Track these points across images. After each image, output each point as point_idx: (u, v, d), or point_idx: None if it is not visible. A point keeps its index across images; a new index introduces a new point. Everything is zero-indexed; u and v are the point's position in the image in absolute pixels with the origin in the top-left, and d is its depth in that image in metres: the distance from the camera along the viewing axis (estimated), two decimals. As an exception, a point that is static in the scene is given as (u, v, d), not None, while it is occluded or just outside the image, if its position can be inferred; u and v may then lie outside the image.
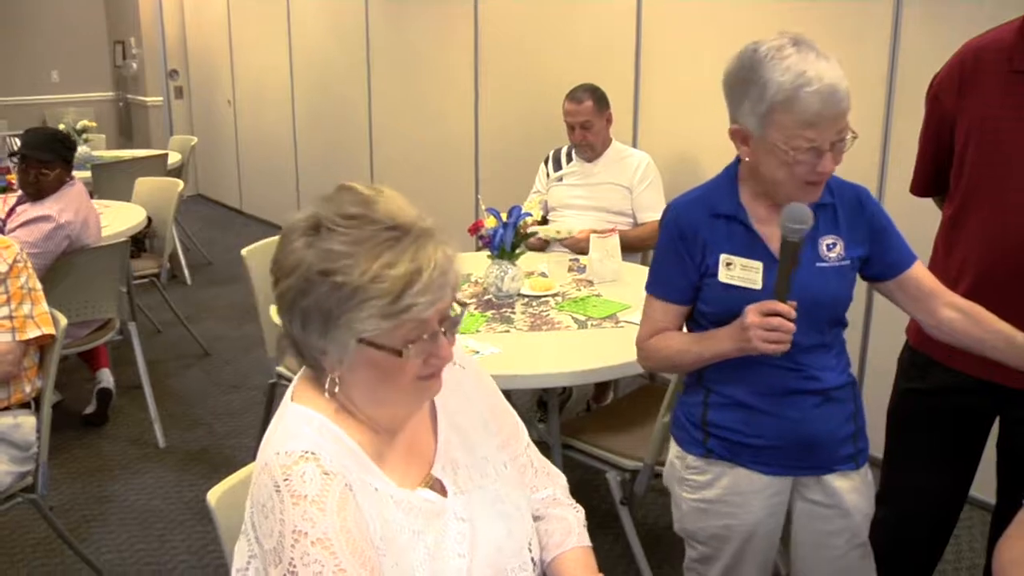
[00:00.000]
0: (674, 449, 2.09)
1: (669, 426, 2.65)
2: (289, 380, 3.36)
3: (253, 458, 1.43)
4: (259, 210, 8.54)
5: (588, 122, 4.02)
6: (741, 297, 1.86)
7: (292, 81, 7.57)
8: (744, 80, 1.80)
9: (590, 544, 1.65)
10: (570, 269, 3.63)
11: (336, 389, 1.37)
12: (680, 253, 1.95)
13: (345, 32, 6.72)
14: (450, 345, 1.39)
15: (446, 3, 5.68)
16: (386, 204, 1.32)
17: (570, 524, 1.65)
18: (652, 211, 4.05)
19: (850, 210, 1.95)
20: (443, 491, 1.47)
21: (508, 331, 2.96)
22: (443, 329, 1.36)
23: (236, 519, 1.53)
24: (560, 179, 4.20)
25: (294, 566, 1.25)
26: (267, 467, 1.32)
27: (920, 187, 2.36)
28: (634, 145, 4.48)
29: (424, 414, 1.54)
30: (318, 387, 1.40)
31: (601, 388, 4.26)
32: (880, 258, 1.98)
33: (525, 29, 5.17)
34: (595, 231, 3.68)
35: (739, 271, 1.89)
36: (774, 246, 1.87)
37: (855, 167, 2.29)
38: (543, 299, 3.27)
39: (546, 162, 4.30)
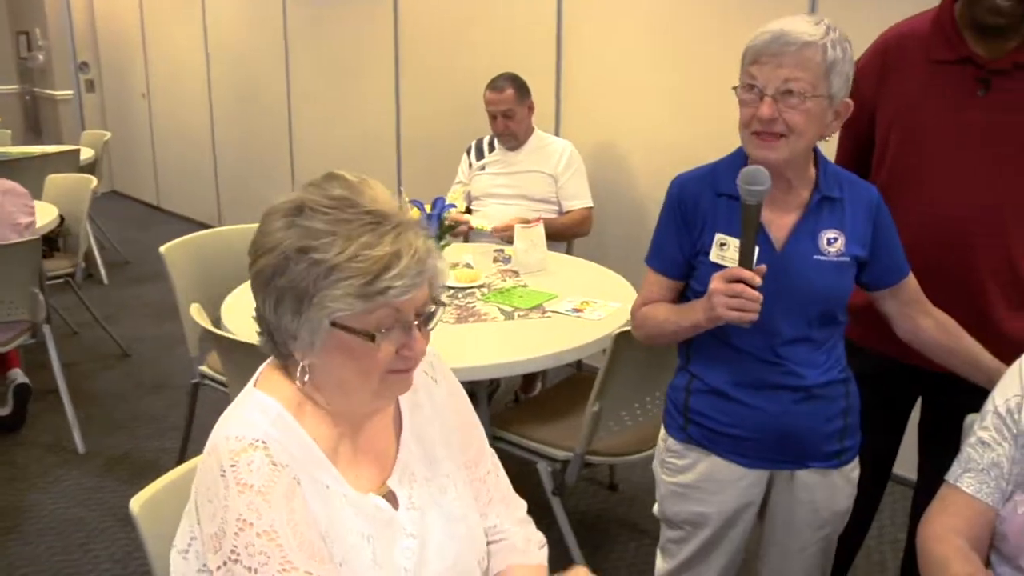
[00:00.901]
0: (661, 431, 2.11)
1: (599, 414, 2.68)
2: (213, 380, 3.34)
3: (177, 461, 1.39)
4: (177, 206, 8.37)
5: (510, 110, 4.01)
6: None
7: (209, 73, 7.42)
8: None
9: (541, 563, 1.61)
10: (495, 260, 3.62)
11: (306, 378, 1.35)
12: (679, 226, 1.95)
13: (262, 21, 6.60)
14: (424, 341, 1.37)
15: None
16: (371, 192, 1.33)
17: (513, 543, 1.60)
18: (577, 199, 4.07)
19: (858, 208, 1.92)
20: (395, 503, 1.44)
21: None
22: (418, 323, 1.34)
23: (161, 526, 1.49)
24: (483, 168, 4.19)
25: (237, 554, 1.23)
26: (215, 449, 1.29)
27: (842, 163, 2.37)
28: (557, 133, 4.48)
29: (389, 420, 1.50)
30: (284, 376, 1.38)
31: (529, 379, 4.26)
32: (880, 264, 1.96)
33: (445, 19, 5.13)
34: (520, 219, 3.68)
35: (732, 252, 1.85)
36: (775, 233, 1.87)
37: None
38: (469, 290, 3.25)
39: (468, 152, 4.28)
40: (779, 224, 1.89)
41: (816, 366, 1.94)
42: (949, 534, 1.66)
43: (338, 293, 1.26)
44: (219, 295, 3.21)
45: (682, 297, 2.01)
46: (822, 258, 1.88)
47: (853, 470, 2.06)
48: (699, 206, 1.92)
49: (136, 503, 1.53)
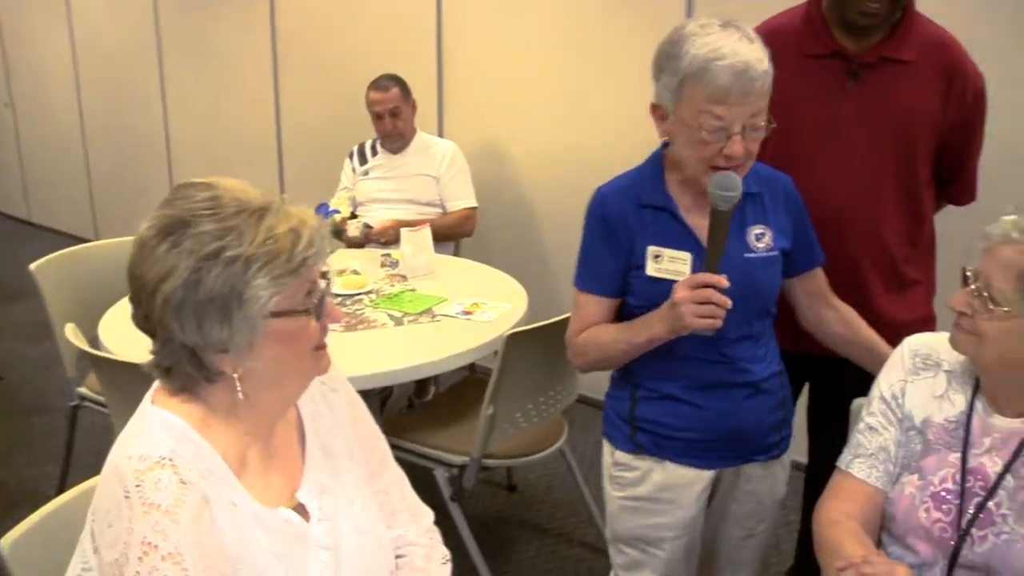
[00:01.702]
0: (605, 447, 2.05)
1: (493, 417, 2.67)
2: (93, 402, 3.20)
3: (57, 491, 1.32)
4: (50, 220, 8.04)
5: (397, 108, 3.98)
6: (668, 291, 1.80)
7: (77, 78, 7.14)
8: (666, 55, 1.78)
9: None
10: (382, 265, 3.56)
11: (239, 389, 1.31)
12: (608, 243, 1.89)
13: (132, 21, 6.38)
14: (337, 309, 1.40)
15: (237, -5, 5.47)
16: (229, 187, 1.30)
17: (414, 561, 1.57)
18: (460, 199, 4.06)
19: (777, 201, 1.93)
20: (306, 515, 1.41)
21: (323, 333, 2.87)
22: (325, 289, 1.36)
23: (35, 569, 1.41)
24: (367, 173, 4.14)
25: None
26: (117, 471, 1.24)
27: None
28: (440, 134, 4.46)
29: (293, 431, 1.47)
30: (182, 394, 1.33)
31: (422, 383, 4.21)
32: (798, 253, 1.98)
33: (323, 18, 5.04)
34: (401, 222, 3.65)
35: (667, 263, 1.84)
36: (703, 236, 1.83)
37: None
38: (357, 297, 3.19)
39: (351, 157, 4.22)
40: (707, 227, 1.83)
41: (760, 360, 1.96)
42: (842, 518, 1.69)
43: (266, 281, 1.24)
44: (96, 312, 3.08)
45: (618, 318, 1.96)
46: (753, 255, 1.88)
47: (788, 458, 2.09)
48: (626, 219, 1.87)
49: (7, 542, 1.45)
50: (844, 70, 2.18)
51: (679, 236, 1.86)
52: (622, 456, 1.99)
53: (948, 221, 2.45)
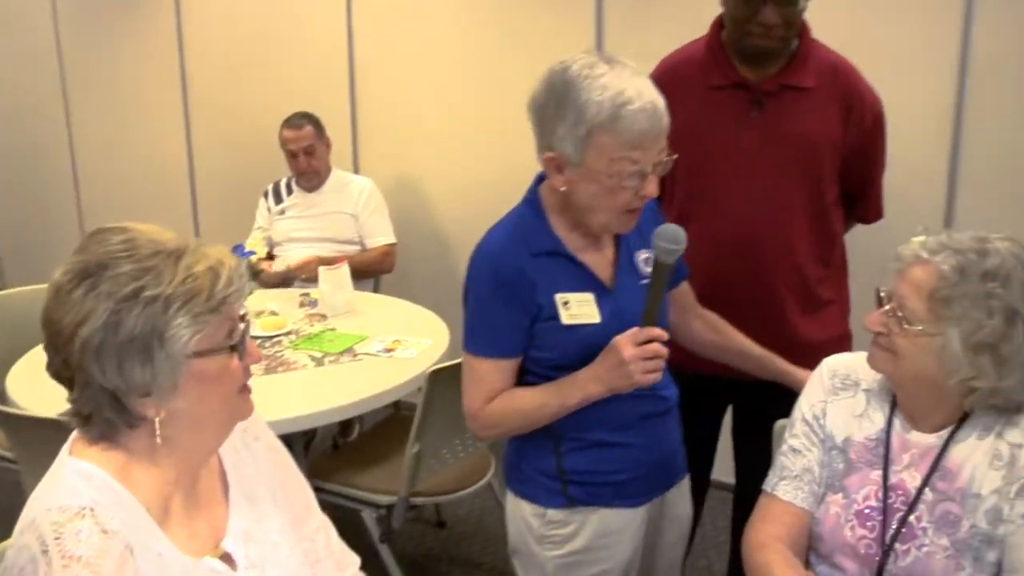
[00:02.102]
0: (525, 508, 1.91)
1: (419, 455, 2.64)
2: (1, 458, 3.09)
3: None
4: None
5: (311, 147, 3.95)
6: (583, 336, 1.76)
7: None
8: (557, 103, 1.68)
9: None
10: (301, 304, 3.52)
11: (157, 435, 1.28)
12: (507, 302, 1.77)
13: (36, 64, 6.23)
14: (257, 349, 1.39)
15: (146, 30, 5.36)
16: (145, 235, 1.29)
17: None
18: (379, 236, 4.04)
19: (648, 219, 1.86)
20: (233, 564, 1.38)
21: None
22: (245, 327, 1.35)
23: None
24: (283, 212, 4.09)
25: None
26: (34, 525, 1.20)
27: None
28: (356, 171, 4.43)
29: (216, 479, 1.44)
30: (102, 442, 1.30)
31: (346, 423, 4.15)
32: None
33: (235, 59, 4.98)
34: (321, 259, 3.62)
35: (575, 308, 1.77)
36: (601, 275, 1.80)
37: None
38: (276, 339, 3.14)
39: (266, 196, 4.17)
40: (601, 264, 1.83)
41: (669, 384, 1.95)
42: (770, 541, 1.71)
43: (187, 321, 1.24)
44: (3, 364, 2.98)
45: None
46: (647, 281, 1.79)
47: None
48: (522, 271, 1.76)
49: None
50: (747, 100, 2.24)
51: (579, 277, 1.79)
52: (555, 514, 1.88)
53: (859, 240, 2.51)
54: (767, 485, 1.79)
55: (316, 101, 4.29)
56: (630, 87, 1.65)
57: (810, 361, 1.90)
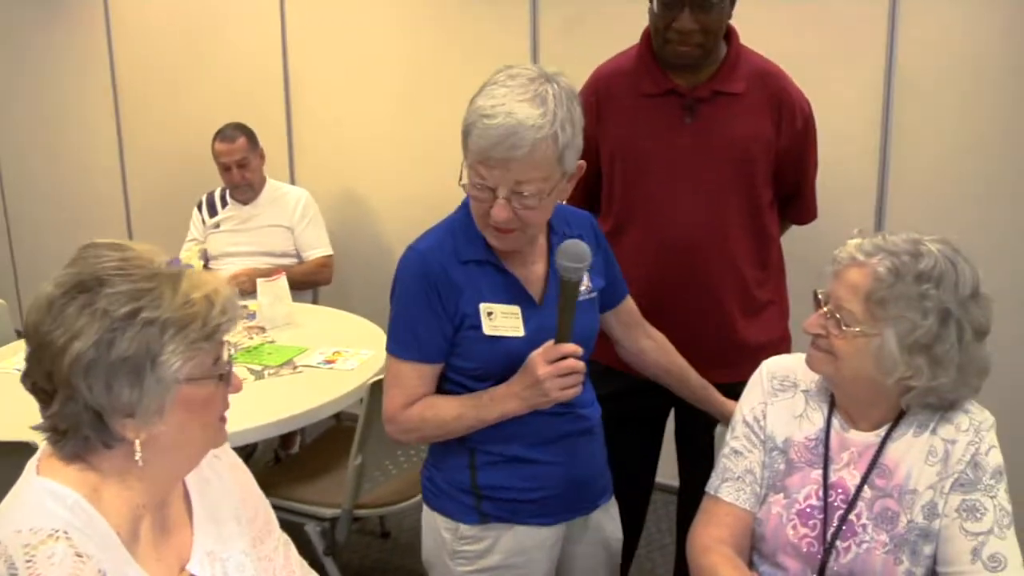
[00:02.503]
0: (439, 521, 1.89)
1: (362, 467, 2.62)
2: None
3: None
4: None
5: (244, 159, 3.90)
6: (505, 348, 1.74)
7: None
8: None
9: None
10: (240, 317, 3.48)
11: (137, 456, 1.28)
12: (431, 306, 1.74)
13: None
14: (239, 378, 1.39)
15: (75, 36, 5.23)
16: (141, 255, 1.30)
17: None
18: (316, 248, 4.01)
19: (587, 239, 1.83)
20: None
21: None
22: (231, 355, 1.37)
23: None
24: (217, 226, 4.04)
25: None
26: (1, 547, 1.17)
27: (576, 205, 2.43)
28: (292, 182, 4.39)
29: (181, 503, 1.43)
30: (71, 462, 1.28)
31: (287, 436, 4.11)
32: (610, 287, 1.94)
33: (168, 69, 4.90)
34: (258, 271, 3.60)
35: (500, 320, 1.75)
36: (530, 287, 1.79)
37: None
38: (215, 353, 3.10)
39: (199, 208, 4.12)
40: (531, 278, 1.81)
41: (590, 404, 1.93)
42: (714, 543, 1.73)
43: (180, 346, 1.24)
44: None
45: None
46: (580, 299, 1.77)
47: (614, 500, 2.05)
48: (449, 277, 1.74)
49: None
50: (680, 106, 2.27)
51: (506, 288, 1.77)
52: (467, 529, 1.85)
53: (795, 243, 2.56)
54: (710, 487, 1.81)
55: (251, 111, 4.25)
56: (505, 104, 1.61)
57: (751, 363, 1.92)
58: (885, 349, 1.59)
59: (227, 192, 4.06)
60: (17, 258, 5.98)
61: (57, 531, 1.19)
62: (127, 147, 5.27)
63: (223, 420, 1.38)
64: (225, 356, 1.33)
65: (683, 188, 2.28)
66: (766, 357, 1.86)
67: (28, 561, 1.16)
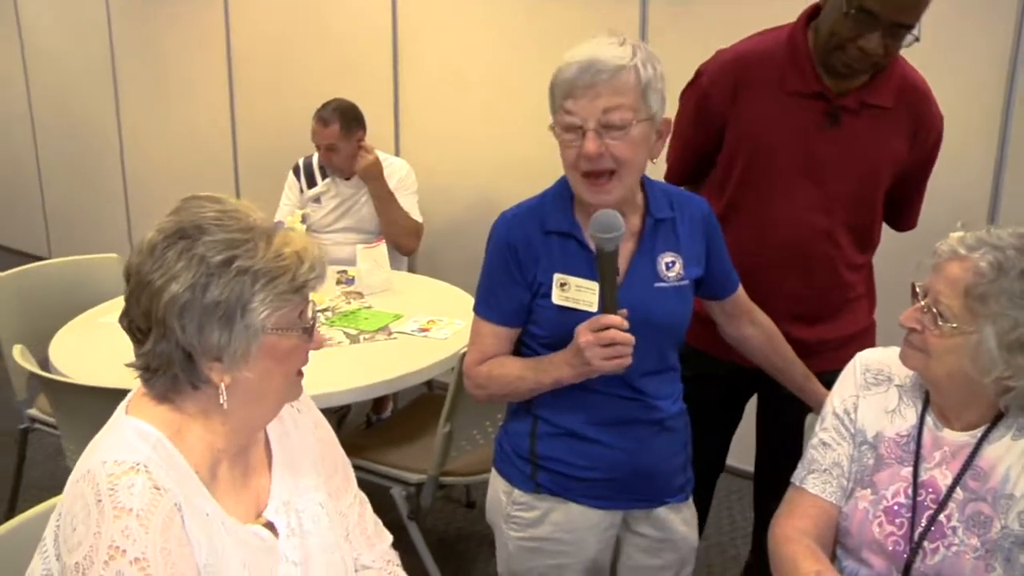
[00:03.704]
0: (499, 483, 1.94)
1: (450, 435, 2.66)
2: (44, 424, 3.15)
3: (6, 514, 1.30)
4: (1, 236, 7.92)
5: (333, 145, 3.84)
6: (576, 320, 1.72)
7: (29, 93, 7.03)
8: None
9: None
10: (339, 282, 3.54)
11: (223, 399, 1.34)
12: (511, 271, 1.80)
13: (86, 39, 6.31)
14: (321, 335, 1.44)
15: (194, 13, 5.43)
16: (239, 209, 1.36)
17: None
18: (411, 214, 3.96)
19: (692, 226, 1.85)
20: (275, 532, 1.43)
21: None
22: (314, 315, 1.41)
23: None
24: (317, 200, 4.01)
25: None
26: (89, 475, 1.25)
27: (679, 176, 2.37)
28: (397, 153, 4.43)
29: (261, 450, 1.50)
30: (159, 403, 1.35)
31: (379, 400, 4.19)
32: (713, 278, 1.93)
33: (280, 37, 5.02)
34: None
35: (574, 292, 1.76)
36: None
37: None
38: (313, 315, 3.17)
39: (296, 174, 4.07)
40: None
41: (668, 396, 1.89)
42: (796, 534, 1.71)
43: (270, 297, 1.30)
44: (47, 332, 3.03)
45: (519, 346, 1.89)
46: (663, 284, 1.80)
47: (691, 502, 2.02)
48: (530, 245, 1.78)
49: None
50: (824, 111, 2.16)
51: (586, 264, 1.77)
52: (521, 496, 1.89)
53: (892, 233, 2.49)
54: (795, 478, 1.79)
55: (360, 83, 4.31)
56: (588, 49, 1.68)
57: (834, 354, 1.87)
58: (983, 347, 1.54)
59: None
60: (132, 216, 6.22)
61: (138, 464, 1.26)
62: (239, 116, 5.41)
63: (300, 375, 1.44)
64: (310, 312, 1.39)
65: (804, 192, 2.20)
66: (853, 348, 1.83)
67: (111, 490, 1.22)
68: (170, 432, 1.33)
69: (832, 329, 2.29)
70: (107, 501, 1.22)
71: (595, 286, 1.74)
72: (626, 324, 1.67)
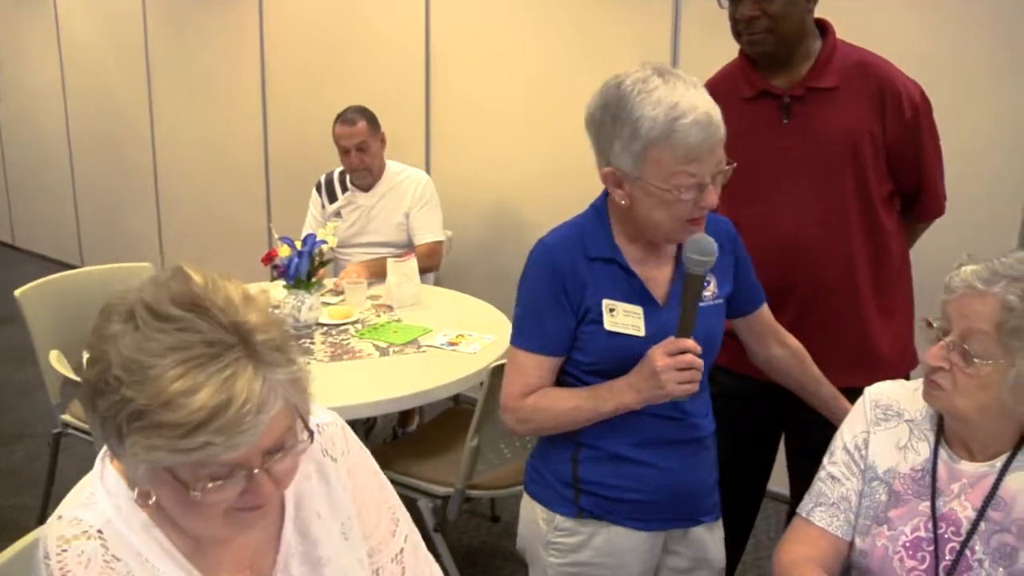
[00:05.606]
0: (537, 510, 1.91)
1: (478, 449, 2.67)
2: (77, 429, 3.19)
3: (38, 520, 1.30)
4: (35, 244, 8.02)
5: (364, 143, 3.86)
6: (625, 345, 1.74)
7: (66, 104, 7.14)
8: (612, 119, 1.68)
9: None
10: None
11: (150, 501, 1.14)
12: (557, 298, 1.77)
13: (123, 50, 6.40)
14: (274, 484, 1.14)
15: (230, 23, 5.51)
16: (224, 295, 1.11)
17: None
18: (427, 233, 3.95)
19: (720, 245, 1.81)
20: None
21: (308, 362, 2.79)
22: (267, 466, 1.12)
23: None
24: (338, 214, 4.01)
25: None
26: (49, 527, 1.15)
27: None
28: (427, 165, 4.46)
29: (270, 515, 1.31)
30: None
31: (406, 413, 4.21)
32: (740, 295, 1.94)
33: (313, 49, 5.08)
34: (368, 267, 3.67)
35: (622, 317, 1.75)
36: (655, 290, 1.80)
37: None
38: (342, 327, 3.21)
39: (319, 189, 4.09)
40: (657, 280, 1.81)
41: (706, 415, 1.91)
42: (803, 560, 1.69)
43: (150, 444, 1.03)
44: (81, 338, 3.06)
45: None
46: (703, 304, 1.78)
47: (721, 523, 2.02)
48: (576, 272, 1.77)
49: (-10, 572, 1.45)
50: (776, 107, 2.27)
51: (630, 289, 1.78)
52: (564, 522, 1.86)
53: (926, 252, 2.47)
54: (802, 509, 1.77)
55: (391, 96, 4.34)
56: (683, 100, 1.64)
57: (869, 370, 1.86)
58: (1022, 379, 1.52)
59: (346, 177, 4.02)
60: (163, 226, 6.28)
61: (92, 528, 1.15)
62: (271, 129, 5.46)
63: (247, 510, 1.15)
64: (234, 470, 1.09)
65: (787, 190, 2.26)
66: (888, 368, 1.82)
67: (60, 551, 1.13)
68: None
69: (859, 339, 2.29)
70: (54, 563, 1.12)
71: (640, 311, 1.76)
72: (700, 350, 1.68)
